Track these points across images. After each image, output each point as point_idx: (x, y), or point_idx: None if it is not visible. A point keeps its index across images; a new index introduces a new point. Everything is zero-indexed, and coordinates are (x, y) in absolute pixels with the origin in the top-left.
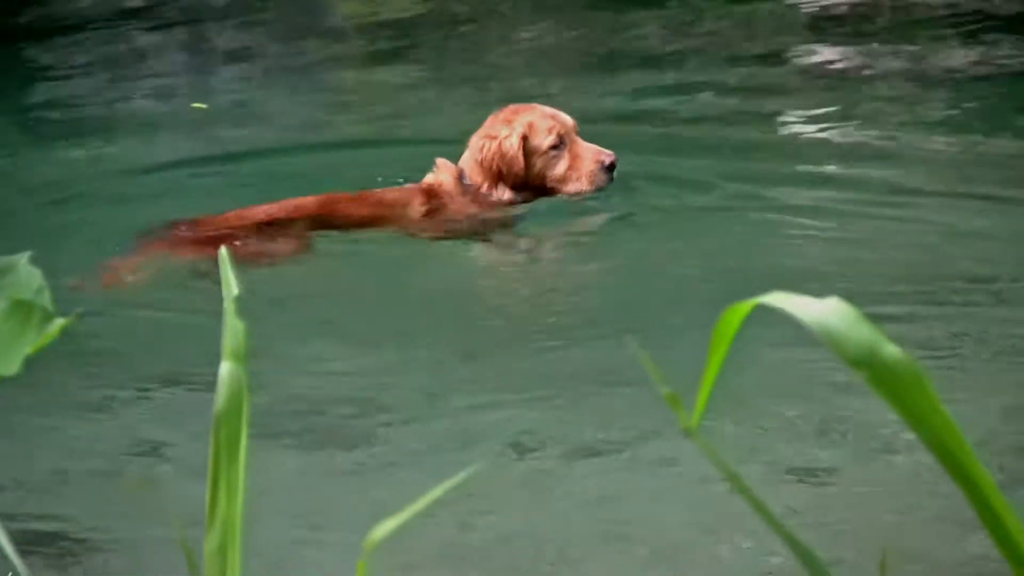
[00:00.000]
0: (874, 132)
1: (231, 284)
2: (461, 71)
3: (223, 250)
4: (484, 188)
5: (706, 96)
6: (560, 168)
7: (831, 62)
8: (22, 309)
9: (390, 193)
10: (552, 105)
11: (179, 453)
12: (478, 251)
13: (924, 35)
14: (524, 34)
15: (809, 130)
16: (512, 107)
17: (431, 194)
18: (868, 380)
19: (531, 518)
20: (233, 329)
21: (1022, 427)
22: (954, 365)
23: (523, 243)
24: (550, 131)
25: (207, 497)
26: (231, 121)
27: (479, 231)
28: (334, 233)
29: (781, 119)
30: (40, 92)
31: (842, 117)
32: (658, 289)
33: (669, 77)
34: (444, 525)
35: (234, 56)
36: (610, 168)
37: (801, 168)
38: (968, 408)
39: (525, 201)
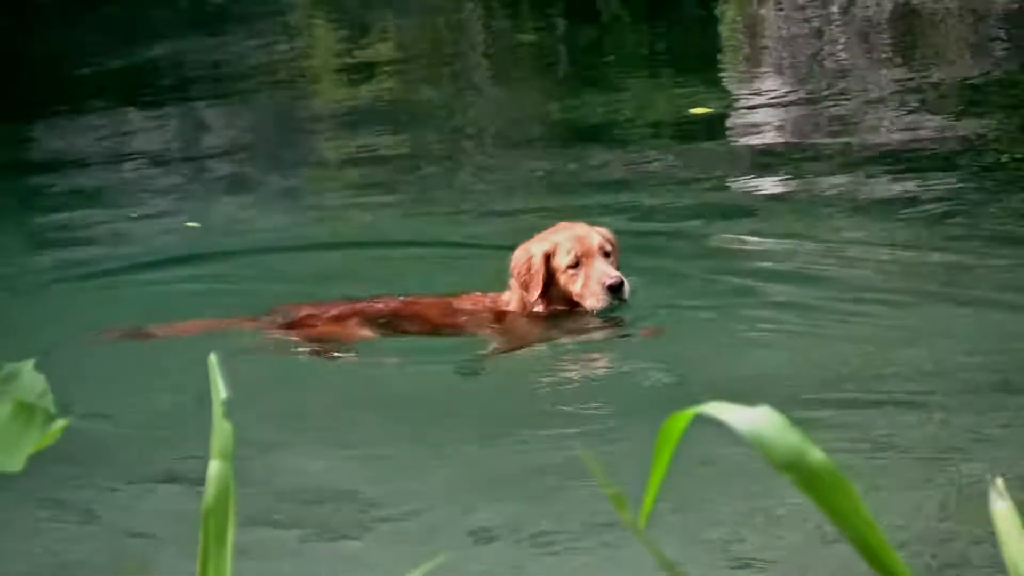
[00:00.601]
0: (812, 247)
1: (220, 388)
2: (435, 194)
3: (212, 357)
4: (519, 300)
5: (658, 215)
6: (577, 285)
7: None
8: (25, 411)
9: (464, 303)
10: (582, 220)
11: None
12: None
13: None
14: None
15: (753, 242)
16: (557, 225)
17: (494, 306)
18: (794, 482)
19: None
20: (221, 430)
21: (950, 521)
22: (889, 462)
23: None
24: (569, 251)
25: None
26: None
27: (520, 341)
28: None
29: (727, 235)
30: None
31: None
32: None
33: (624, 199)
34: None
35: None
36: (613, 289)
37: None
38: (900, 501)
39: (559, 312)
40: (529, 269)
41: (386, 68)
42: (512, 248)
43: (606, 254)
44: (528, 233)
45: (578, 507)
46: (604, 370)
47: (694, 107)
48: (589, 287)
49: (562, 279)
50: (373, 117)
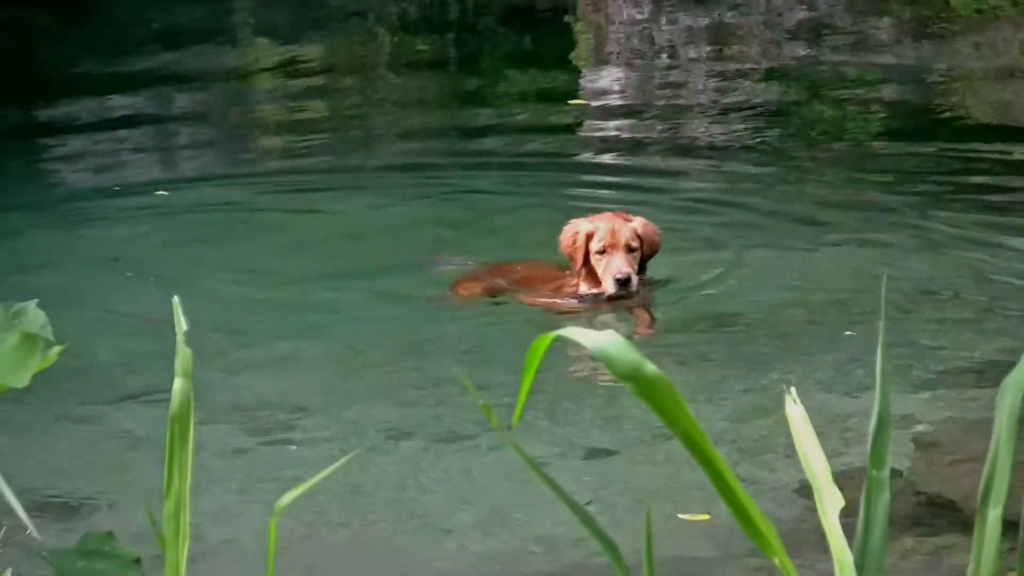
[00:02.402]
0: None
1: (181, 323)
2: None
3: (175, 299)
4: (568, 274)
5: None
6: (600, 269)
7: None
8: (30, 340)
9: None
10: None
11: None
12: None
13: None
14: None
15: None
16: (605, 213)
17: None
18: (633, 390)
19: (404, 486)
20: (182, 354)
21: (758, 421)
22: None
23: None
24: (601, 240)
25: (164, 475)
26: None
27: (562, 312)
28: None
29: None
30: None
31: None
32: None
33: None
34: (339, 491)
35: None
36: (620, 281)
37: None
38: (719, 405)
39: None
40: (575, 243)
41: (312, 69)
42: None
43: (631, 249)
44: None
45: (474, 414)
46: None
47: (572, 100)
48: (606, 275)
49: (592, 261)
50: (302, 101)
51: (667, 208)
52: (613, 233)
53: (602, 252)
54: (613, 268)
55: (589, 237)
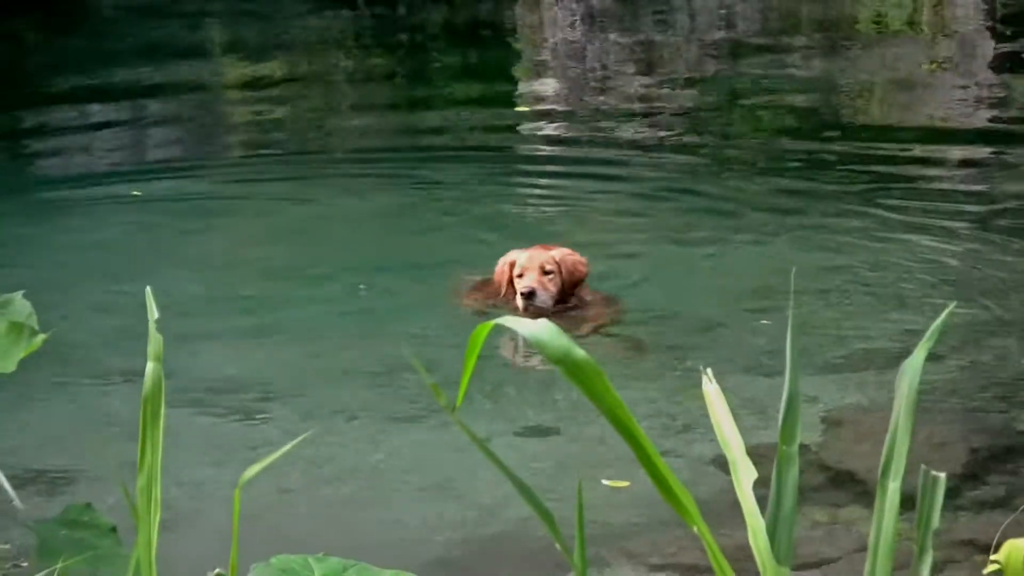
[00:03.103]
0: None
1: (153, 311)
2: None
3: (148, 289)
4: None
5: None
6: (517, 288)
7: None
8: (16, 328)
9: None
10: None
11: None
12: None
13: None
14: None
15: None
16: (536, 246)
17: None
18: (564, 372)
19: (360, 460)
20: (155, 340)
21: (679, 401)
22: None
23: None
24: (519, 265)
25: (138, 451)
26: None
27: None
28: None
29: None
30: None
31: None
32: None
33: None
34: (301, 465)
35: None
36: (524, 295)
37: None
38: (641, 387)
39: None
40: (502, 271)
41: (274, 80)
42: None
43: (546, 272)
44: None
45: (425, 396)
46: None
47: (516, 107)
48: (519, 291)
49: (515, 283)
50: (265, 107)
51: (602, 202)
52: (530, 258)
53: (520, 275)
54: (521, 285)
55: (512, 265)
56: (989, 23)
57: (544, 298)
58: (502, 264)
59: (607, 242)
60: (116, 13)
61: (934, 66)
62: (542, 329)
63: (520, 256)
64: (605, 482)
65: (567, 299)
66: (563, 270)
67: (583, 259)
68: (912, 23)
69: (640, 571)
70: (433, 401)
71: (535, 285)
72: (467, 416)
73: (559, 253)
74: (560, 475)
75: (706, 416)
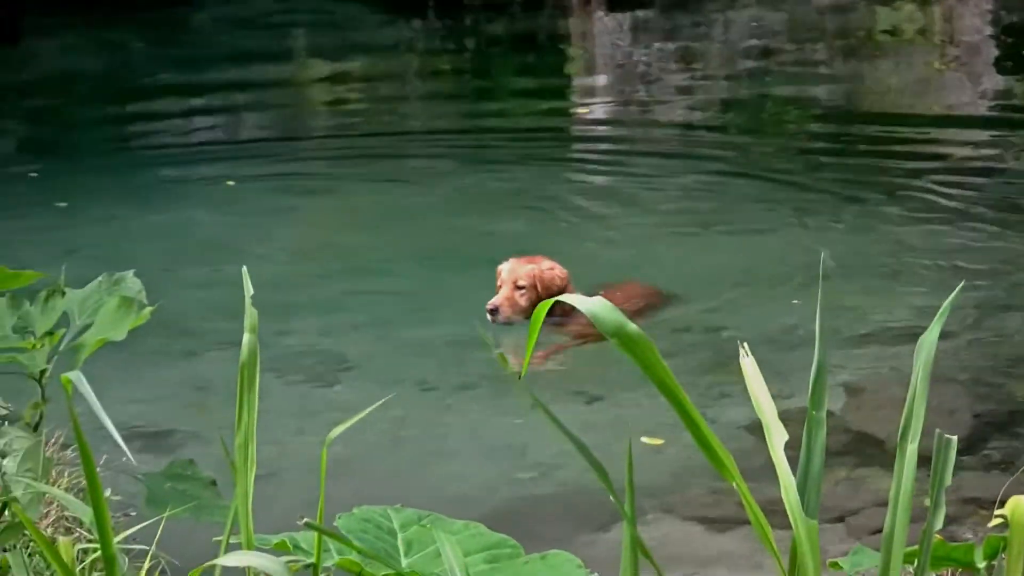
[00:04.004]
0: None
1: (249, 288)
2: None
3: (244, 268)
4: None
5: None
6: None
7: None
8: (127, 303)
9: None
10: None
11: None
12: None
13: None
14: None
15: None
16: (523, 257)
17: None
18: (618, 345)
19: (430, 424)
20: (250, 313)
21: (716, 372)
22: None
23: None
24: (499, 278)
25: (236, 412)
26: None
27: None
28: None
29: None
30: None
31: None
32: None
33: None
34: (379, 428)
35: None
36: (489, 311)
37: None
38: (682, 360)
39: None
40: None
41: (355, 79)
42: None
43: (518, 287)
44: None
45: (489, 367)
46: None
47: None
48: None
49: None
50: (346, 104)
51: (641, 184)
52: (509, 271)
53: (498, 287)
54: (489, 301)
55: (499, 275)
56: (993, 32)
57: (507, 314)
58: (498, 269)
59: (644, 223)
60: (213, 25)
61: (943, 67)
62: (598, 305)
63: (504, 267)
64: (644, 439)
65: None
66: (539, 284)
67: (563, 273)
68: (923, 32)
69: (677, 523)
70: (495, 373)
71: (499, 302)
72: (529, 385)
73: (537, 268)
74: (604, 436)
75: (738, 386)
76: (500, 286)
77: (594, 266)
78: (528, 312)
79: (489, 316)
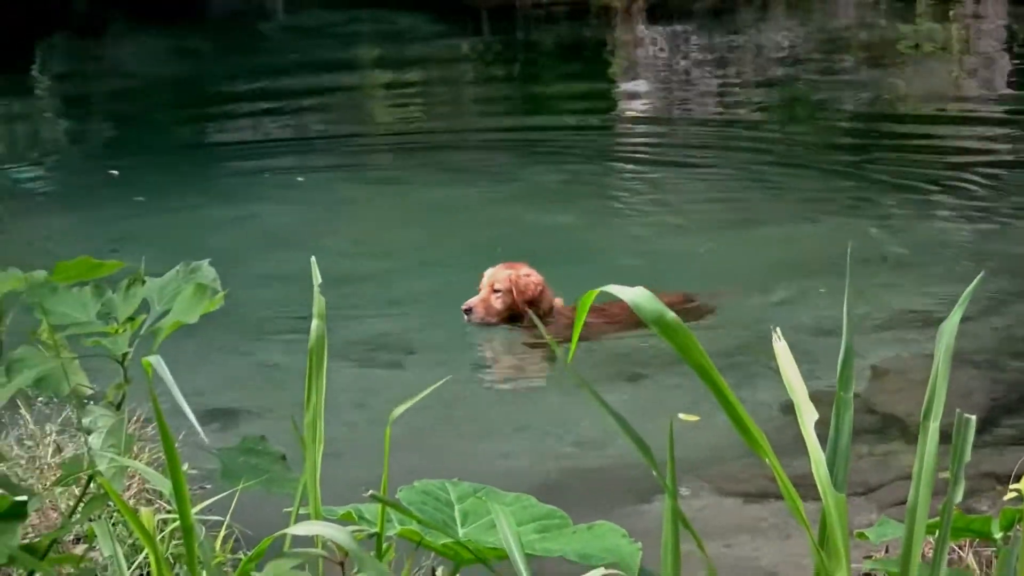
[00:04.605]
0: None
1: (317, 277)
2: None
3: (312, 259)
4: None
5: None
6: None
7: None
8: (202, 289)
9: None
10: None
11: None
12: None
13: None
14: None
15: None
16: (502, 264)
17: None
18: (657, 331)
19: (484, 405)
20: (319, 301)
21: (748, 358)
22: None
23: None
24: (481, 281)
25: (305, 392)
26: None
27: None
28: None
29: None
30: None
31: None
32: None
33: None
34: (436, 408)
35: None
36: (464, 310)
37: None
38: (720, 345)
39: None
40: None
41: (415, 85)
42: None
43: (495, 290)
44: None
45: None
46: None
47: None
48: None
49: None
50: (406, 108)
51: (678, 179)
52: (489, 276)
53: (480, 291)
54: (469, 300)
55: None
56: (1007, 44)
57: (480, 315)
58: (482, 274)
59: (682, 213)
60: (282, 33)
61: (961, 74)
62: (640, 295)
63: (487, 272)
64: (680, 416)
65: (521, 313)
66: (515, 289)
67: (538, 279)
68: (943, 45)
69: (713, 495)
70: (543, 357)
71: (474, 303)
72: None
73: (514, 273)
74: (643, 414)
75: (769, 368)
76: (479, 288)
77: (635, 255)
78: (502, 314)
79: (464, 315)
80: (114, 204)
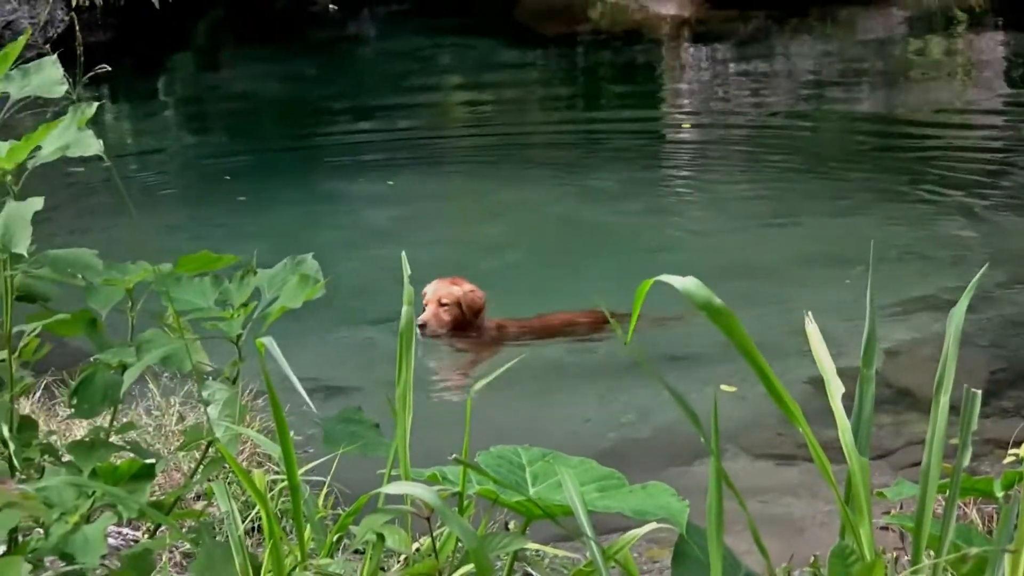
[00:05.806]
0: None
1: (407, 269)
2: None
3: (403, 253)
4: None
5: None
6: None
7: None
8: (305, 279)
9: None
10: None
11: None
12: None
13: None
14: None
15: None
16: (444, 279)
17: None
18: (707, 316)
19: (554, 378)
20: (408, 290)
21: (782, 340)
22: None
23: None
24: (424, 296)
25: (396, 369)
26: None
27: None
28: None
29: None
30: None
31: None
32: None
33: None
34: (509, 383)
35: None
36: (419, 326)
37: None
38: (760, 331)
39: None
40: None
41: (487, 102)
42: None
43: (442, 304)
44: None
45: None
46: None
47: (684, 123)
48: (416, 321)
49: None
50: (485, 123)
51: (717, 180)
52: (433, 291)
53: (425, 305)
54: (420, 316)
55: (424, 295)
56: (1006, 56)
57: (434, 328)
58: (423, 291)
59: (723, 212)
60: (375, 57)
61: (966, 83)
62: (691, 284)
63: (429, 287)
64: (722, 387)
65: (468, 325)
66: (462, 303)
67: (480, 294)
68: (950, 60)
69: (749, 459)
70: (601, 337)
71: (428, 318)
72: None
73: (460, 290)
74: (687, 386)
75: (800, 349)
76: (426, 304)
77: (680, 251)
78: (450, 326)
79: (419, 331)
80: (226, 205)
